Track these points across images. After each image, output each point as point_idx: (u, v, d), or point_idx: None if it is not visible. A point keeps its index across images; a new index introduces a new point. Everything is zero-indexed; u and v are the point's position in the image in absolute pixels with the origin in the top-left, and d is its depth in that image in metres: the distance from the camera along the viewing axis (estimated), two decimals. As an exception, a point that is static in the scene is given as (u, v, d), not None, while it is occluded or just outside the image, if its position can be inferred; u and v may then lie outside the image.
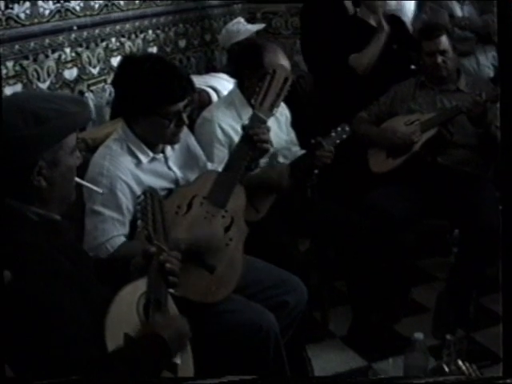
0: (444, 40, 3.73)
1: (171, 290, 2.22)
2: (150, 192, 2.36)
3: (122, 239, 2.61)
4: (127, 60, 2.88)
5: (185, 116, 2.70)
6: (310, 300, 3.07)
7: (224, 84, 3.91)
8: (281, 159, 3.42)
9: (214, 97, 3.81)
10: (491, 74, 4.44)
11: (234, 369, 2.54)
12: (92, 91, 3.65)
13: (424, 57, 3.78)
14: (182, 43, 4.67)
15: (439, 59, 3.70)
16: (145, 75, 2.65)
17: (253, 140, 2.84)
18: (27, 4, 3.14)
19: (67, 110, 1.92)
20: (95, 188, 2.31)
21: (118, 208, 2.62)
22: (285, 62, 3.24)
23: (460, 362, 1.99)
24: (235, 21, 4.50)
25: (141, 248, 2.23)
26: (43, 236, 1.91)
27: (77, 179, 2.07)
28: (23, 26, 3.10)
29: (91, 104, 3.65)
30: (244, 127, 2.87)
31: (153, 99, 2.64)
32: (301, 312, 2.92)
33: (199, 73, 4.64)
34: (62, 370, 1.77)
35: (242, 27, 4.36)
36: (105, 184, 2.62)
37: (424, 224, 3.74)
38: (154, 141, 2.75)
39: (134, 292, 2.07)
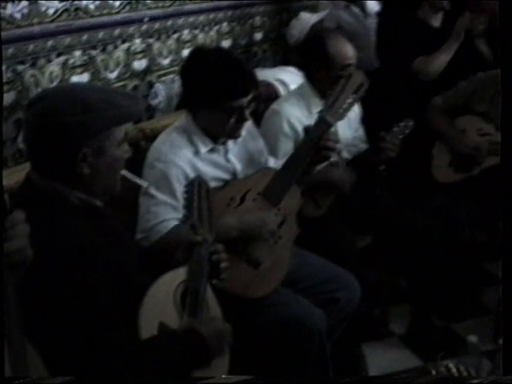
0: None
1: (214, 281, 2.24)
2: (197, 181, 2.37)
3: (174, 223, 2.62)
4: (196, 51, 2.91)
5: (247, 112, 2.70)
6: (370, 297, 3.04)
7: (293, 77, 3.90)
8: (346, 155, 3.39)
9: (282, 90, 3.81)
10: None
11: (273, 363, 2.56)
12: (162, 82, 3.69)
13: None
14: (259, 36, 4.67)
15: None
16: (209, 68, 2.68)
17: (317, 145, 2.81)
18: (94, -5, 3.21)
19: (117, 103, 1.96)
20: (141, 182, 2.34)
21: (172, 193, 2.64)
22: (348, 48, 3.23)
23: (450, 364, 1.93)
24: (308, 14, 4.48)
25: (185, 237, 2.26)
26: (83, 220, 1.96)
27: (123, 172, 2.10)
28: (92, 16, 3.17)
29: (162, 94, 3.70)
30: (307, 130, 2.85)
31: (214, 93, 2.64)
32: (352, 309, 2.90)
33: (275, 66, 4.63)
34: (92, 354, 1.81)
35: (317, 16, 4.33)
36: (160, 169, 2.66)
37: (492, 225, 3.64)
38: (215, 134, 2.76)
39: (172, 280, 2.10)
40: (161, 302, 2.02)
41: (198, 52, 2.88)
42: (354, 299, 2.90)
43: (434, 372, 2.06)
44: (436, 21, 4.05)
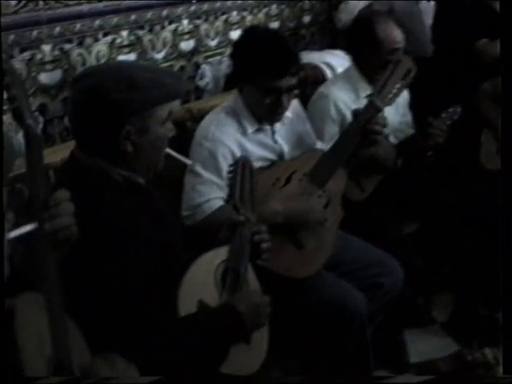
0: None
1: (258, 261, 2.24)
2: (241, 161, 2.38)
3: (220, 203, 2.63)
4: (249, 29, 2.99)
5: (285, 98, 2.67)
6: (414, 284, 3.01)
7: (340, 61, 3.86)
8: (393, 140, 3.37)
9: (328, 73, 3.78)
10: None
11: (313, 345, 2.55)
12: (208, 63, 3.69)
13: None
14: (307, 19, 4.62)
15: None
16: (250, 45, 2.72)
17: (364, 128, 2.81)
18: (144, -25, 3.21)
19: (162, 81, 1.96)
20: (185, 160, 2.34)
21: (218, 172, 2.64)
22: (397, 32, 3.20)
23: (487, 351, 1.90)
24: None
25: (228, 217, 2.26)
26: (126, 197, 1.97)
27: (168, 150, 2.11)
28: (140, -3, 3.18)
29: (208, 76, 3.70)
30: (356, 113, 2.85)
31: (249, 68, 2.67)
32: (395, 294, 2.89)
33: (323, 49, 4.58)
34: (133, 331, 1.82)
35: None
36: (207, 147, 2.67)
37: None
38: (257, 113, 2.76)
39: (213, 259, 2.10)
40: (201, 281, 2.03)
41: (251, 30, 2.94)
42: (397, 284, 2.88)
43: (469, 358, 2.04)
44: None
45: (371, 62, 3.22)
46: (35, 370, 1.37)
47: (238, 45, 2.82)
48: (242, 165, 2.36)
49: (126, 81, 1.90)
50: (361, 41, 3.24)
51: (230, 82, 3.52)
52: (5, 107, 2.57)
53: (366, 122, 2.81)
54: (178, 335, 1.88)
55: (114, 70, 1.97)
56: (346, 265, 2.82)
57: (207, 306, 1.98)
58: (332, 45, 4.75)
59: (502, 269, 1.70)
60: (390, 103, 2.91)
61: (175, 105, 2.07)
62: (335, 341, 2.61)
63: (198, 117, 2.98)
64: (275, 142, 2.84)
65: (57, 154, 2.44)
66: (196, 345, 1.90)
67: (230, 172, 2.35)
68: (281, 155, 2.85)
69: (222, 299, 2.04)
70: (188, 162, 2.36)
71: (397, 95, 2.93)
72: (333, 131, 3.11)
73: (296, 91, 2.74)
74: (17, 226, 1.35)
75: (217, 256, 2.11)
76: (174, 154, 2.18)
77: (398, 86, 2.91)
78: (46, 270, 1.46)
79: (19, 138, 2.64)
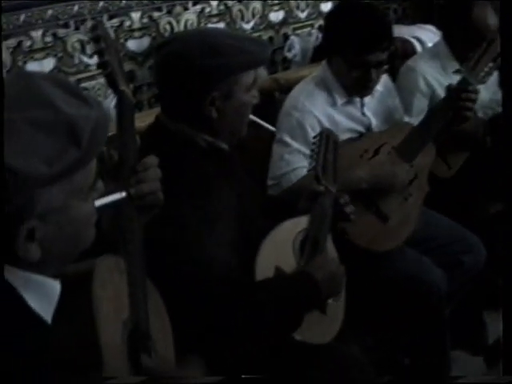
0: None
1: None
2: (325, 132, 2.37)
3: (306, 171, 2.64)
4: (343, 1, 3.00)
5: (374, 72, 2.66)
6: (497, 264, 2.95)
7: (430, 36, 3.80)
8: (481, 117, 3.31)
9: (418, 47, 3.73)
10: None
11: (389, 320, 2.54)
12: (297, 35, 3.68)
13: None
14: (400, -7, 4.55)
15: None
16: (342, 17, 2.73)
17: (457, 104, 2.77)
18: None
19: (246, 48, 1.98)
20: (269, 126, 2.35)
21: (306, 142, 2.62)
22: (490, 14, 3.12)
23: None
24: None
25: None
26: (210, 163, 2.00)
27: (252, 117, 2.12)
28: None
29: (297, 47, 3.68)
30: (450, 89, 2.81)
31: (338, 40, 2.68)
32: (476, 274, 2.85)
33: (414, 23, 4.51)
34: (209, 295, 1.83)
35: None
36: (296, 117, 2.67)
37: None
38: (345, 85, 2.75)
39: (293, 227, 2.11)
40: (279, 248, 2.05)
41: (346, 1, 2.94)
42: (478, 263, 2.84)
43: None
44: None
45: (461, 39, 3.17)
46: (109, 332, 1.38)
47: (330, 15, 2.85)
48: (326, 136, 2.35)
49: (212, 47, 1.93)
50: (454, 18, 3.20)
51: (319, 54, 3.50)
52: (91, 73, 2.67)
53: (458, 98, 2.77)
54: (255, 302, 1.90)
55: (200, 37, 2.00)
56: (429, 241, 2.80)
57: (284, 273, 1.99)
58: (423, 20, 4.67)
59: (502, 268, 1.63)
60: (483, 81, 2.88)
61: (260, 72, 2.08)
62: (411, 317, 2.59)
63: (286, 87, 2.99)
64: (363, 114, 2.84)
65: (143, 119, 2.48)
66: (272, 311, 1.91)
67: (313, 143, 2.34)
68: (369, 128, 2.84)
69: (299, 267, 2.05)
70: (271, 128, 2.37)
71: (489, 74, 2.89)
72: (422, 104, 3.09)
73: (386, 66, 2.73)
74: (106, 193, 1.37)
75: (297, 225, 2.12)
76: (258, 120, 2.19)
77: (490, 64, 2.87)
78: (130, 234, 1.49)
79: (107, 102, 2.70)
